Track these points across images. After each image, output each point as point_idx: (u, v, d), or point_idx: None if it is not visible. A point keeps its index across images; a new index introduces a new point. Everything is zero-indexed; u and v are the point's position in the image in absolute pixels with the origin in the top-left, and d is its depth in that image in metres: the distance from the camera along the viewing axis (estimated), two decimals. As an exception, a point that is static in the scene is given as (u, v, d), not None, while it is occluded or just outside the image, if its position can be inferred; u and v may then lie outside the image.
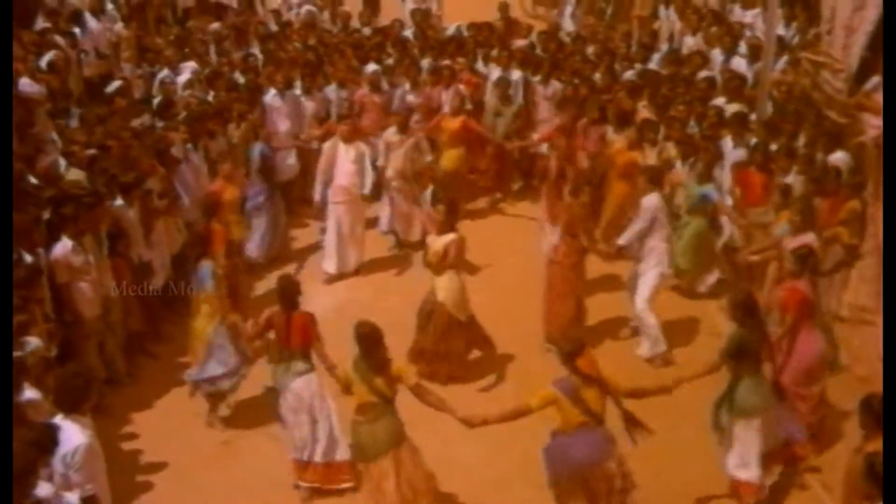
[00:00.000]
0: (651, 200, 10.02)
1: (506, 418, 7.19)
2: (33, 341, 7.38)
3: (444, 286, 9.65)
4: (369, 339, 7.25)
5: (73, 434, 6.18)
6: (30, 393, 6.98)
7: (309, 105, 13.43)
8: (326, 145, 11.73)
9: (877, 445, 5.99)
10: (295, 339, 7.84)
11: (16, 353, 7.02)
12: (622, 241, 10.24)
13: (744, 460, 7.76)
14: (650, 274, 10.08)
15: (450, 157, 12.92)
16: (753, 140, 11.45)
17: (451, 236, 9.65)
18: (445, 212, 9.77)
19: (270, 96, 13.22)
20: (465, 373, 9.79)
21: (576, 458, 7.07)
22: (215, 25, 16.54)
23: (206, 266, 9.24)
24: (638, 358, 10.11)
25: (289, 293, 7.94)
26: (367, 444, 7.39)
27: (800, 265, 8.51)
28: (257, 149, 12.10)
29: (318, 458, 8.05)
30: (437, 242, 9.69)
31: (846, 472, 6.46)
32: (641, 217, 10.02)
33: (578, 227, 9.97)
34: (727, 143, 11.59)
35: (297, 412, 7.95)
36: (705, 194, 10.80)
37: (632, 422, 7.17)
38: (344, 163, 11.51)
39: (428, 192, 11.75)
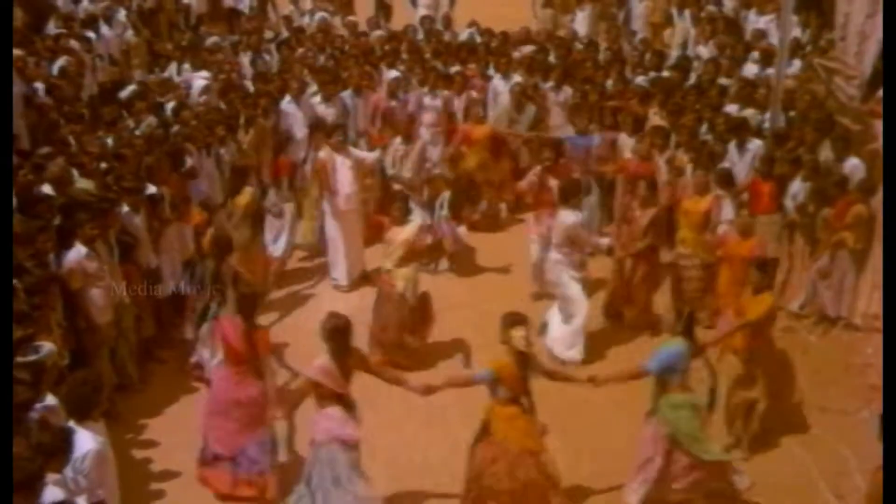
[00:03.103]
0: (567, 218, 9.98)
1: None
2: (47, 345, 7.35)
3: (408, 276, 9.92)
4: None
5: (83, 440, 6.23)
6: (49, 399, 6.97)
7: (328, 112, 13.36)
8: (321, 156, 11.57)
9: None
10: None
11: (31, 358, 7.05)
12: None
13: None
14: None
15: (472, 159, 12.95)
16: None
17: (414, 225, 9.96)
18: (401, 208, 10.09)
19: (286, 103, 13.25)
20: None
21: None
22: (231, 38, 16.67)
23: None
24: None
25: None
26: None
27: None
28: None
29: None
30: (403, 233, 9.86)
31: (868, 489, 6.44)
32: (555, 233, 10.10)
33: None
34: (731, 149, 11.62)
35: None
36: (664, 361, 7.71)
37: None
38: (342, 171, 11.49)
39: (440, 199, 11.76)
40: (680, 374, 7.53)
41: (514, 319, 7.43)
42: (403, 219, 10.03)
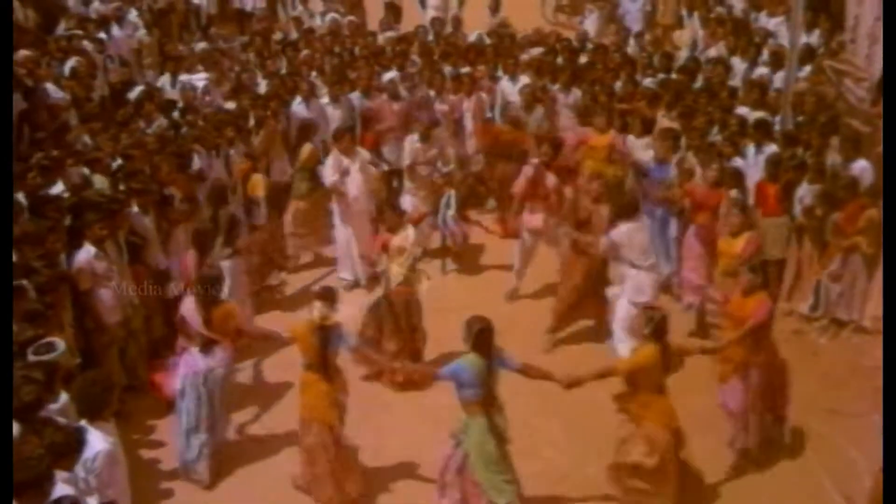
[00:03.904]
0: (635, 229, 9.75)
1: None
2: (60, 343, 7.36)
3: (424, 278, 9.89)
4: None
5: (94, 440, 6.26)
6: (61, 398, 7.00)
7: (335, 113, 13.39)
8: (330, 158, 11.65)
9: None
10: None
11: (46, 357, 7.07)
12: None
13: None
14: (620, 303, 9.92)
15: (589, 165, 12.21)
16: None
17: (411, 229, 9.93)
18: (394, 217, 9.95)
19: (296, 104, 13.27)
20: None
21: None
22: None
23: None
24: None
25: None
26: None
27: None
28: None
29: None
30: (409, 238, 9.72)
31: (871, 490, 6.45)
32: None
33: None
34: (749, 150, 11.48)
35: None
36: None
37: None
38: (351, 173, 11.50)
39: (446, 197, 11.77)
40: (474, 391, 7.23)
41: (318, 294, 7.95)
42: (400, 226, 9.80)
